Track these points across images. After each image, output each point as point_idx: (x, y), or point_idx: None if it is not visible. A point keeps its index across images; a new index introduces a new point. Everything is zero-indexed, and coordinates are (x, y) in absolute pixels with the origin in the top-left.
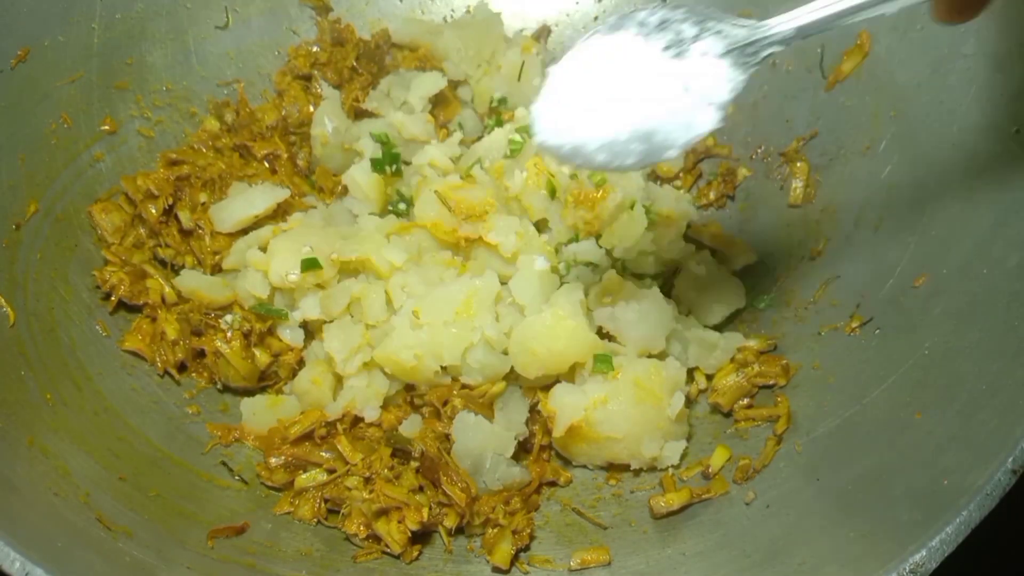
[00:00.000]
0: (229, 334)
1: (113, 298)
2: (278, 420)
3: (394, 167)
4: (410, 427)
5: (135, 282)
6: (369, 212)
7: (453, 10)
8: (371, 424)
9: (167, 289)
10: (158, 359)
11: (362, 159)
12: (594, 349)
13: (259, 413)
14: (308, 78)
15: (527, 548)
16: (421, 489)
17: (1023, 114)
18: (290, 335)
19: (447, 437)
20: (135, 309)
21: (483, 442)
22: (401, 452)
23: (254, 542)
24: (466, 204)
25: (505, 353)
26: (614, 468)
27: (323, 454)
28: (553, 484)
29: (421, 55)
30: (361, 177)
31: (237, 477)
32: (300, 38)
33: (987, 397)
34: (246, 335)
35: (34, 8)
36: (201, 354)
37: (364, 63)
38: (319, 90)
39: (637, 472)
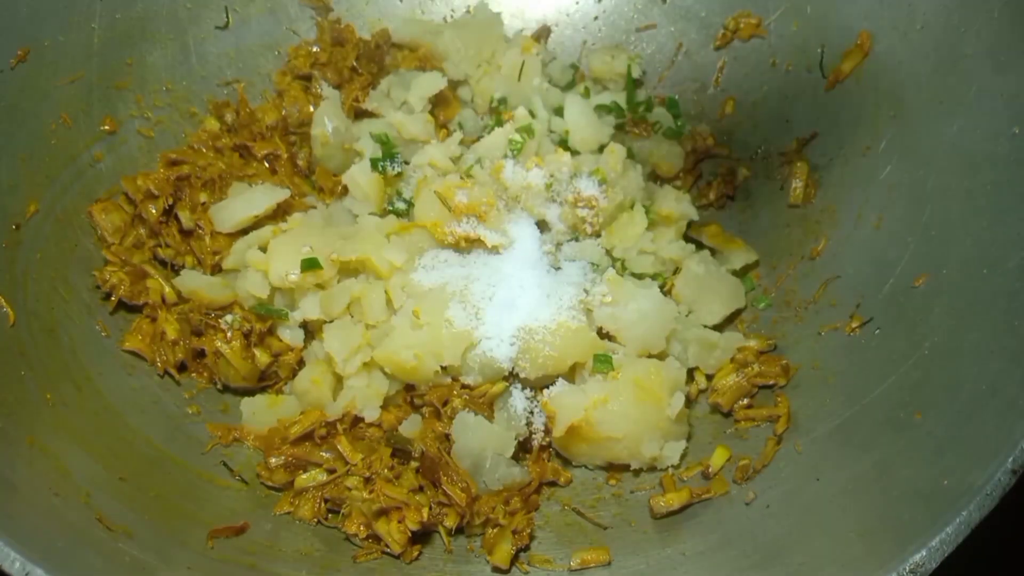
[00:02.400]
0: (229, 334)
1: (113, 298)
2: (278, 420)
3: (394, 167)
4: (410, 427)
5: (135, 282)
6: (369, 212)
7: (453, 10)
8: (371, 424)
9: (167, 289)
10: (158, 359)
11: (362, 159)
12: (594, 349)
13: (259, 413)
14: (308, 78)
15: (527, 548)
16: (421, 489)
17: (1023, 114)
18: (290, 335)
19: (447, 437)
20: (135, 309)
21: (483, 442)
22: (401, 452)
23: (254, 542)
24: (466, 204)
25: None
26: (614, 468)
27: (323, 454)
28: (553, 484)
29: (421, 55)
30: (361, 177)
31: (237, 477)
32: (300, 38)
33: (987, 397)
34: (246, 335)
35: (34, 8)
36: (201, 354)
37: (364, 63)
38: (319, 90)
39: (637, 472)
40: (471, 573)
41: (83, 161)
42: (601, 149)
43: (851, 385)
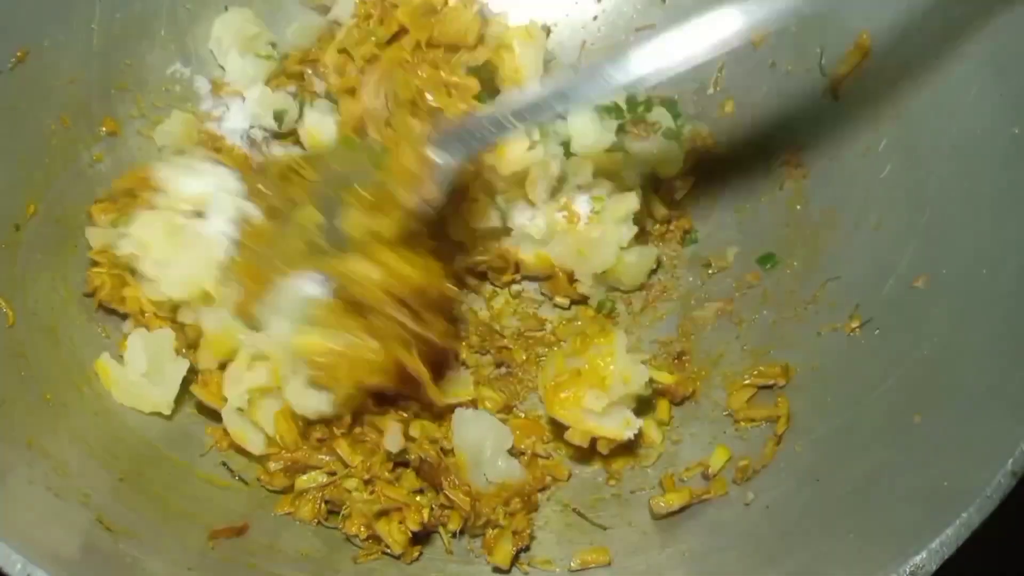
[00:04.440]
0: None
1: (95, 299)
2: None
3: None
4: (393, 442)
5: (115, 288)
6: None
7: None
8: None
9: (143, 300)
10: None
11: None
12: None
13: None
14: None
15: (527, 549)
16: (421, 491)
17: (1023, 114)
18: None
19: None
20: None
21: (482, 434)
22: (400, 463)
23: (254, 542)
24: None
25: None
26: (614, 468)
27: (322, 457)
28: (553, 482)
29: None
30: None
31: (237, 477)
32: None
33: (987, 398)
34: None
35: (34, 8)
36: None
37: None
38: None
39: (634, 466)
40: (471, 574)
41: (83, 162)
42: (602, 150)
43: (851, 385)
